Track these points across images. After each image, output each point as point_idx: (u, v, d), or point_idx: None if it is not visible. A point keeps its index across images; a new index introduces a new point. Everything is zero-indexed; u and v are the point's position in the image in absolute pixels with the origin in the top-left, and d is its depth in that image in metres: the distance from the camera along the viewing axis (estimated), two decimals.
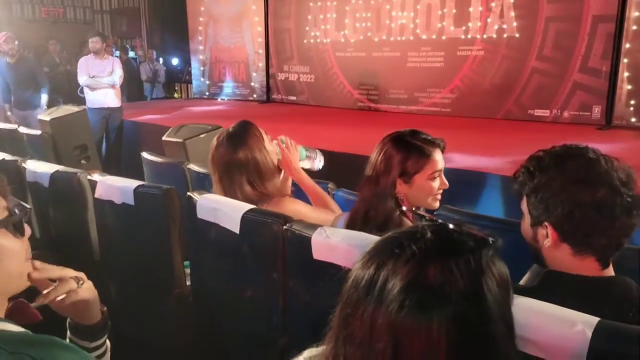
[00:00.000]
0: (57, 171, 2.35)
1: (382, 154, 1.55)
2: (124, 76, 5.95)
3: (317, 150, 2.00)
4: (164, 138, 3.57)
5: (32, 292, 0.96)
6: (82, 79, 5.67)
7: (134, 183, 1.99)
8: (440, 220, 1.42)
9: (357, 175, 1.61)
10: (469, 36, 5.77)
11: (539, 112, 5.35)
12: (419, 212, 1.59)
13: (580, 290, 1.03)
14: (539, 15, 5.24)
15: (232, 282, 1.69)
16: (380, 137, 1.61)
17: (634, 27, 4.75)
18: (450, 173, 1.64)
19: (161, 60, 10.36)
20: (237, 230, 1.56)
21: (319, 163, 1.99)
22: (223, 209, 1.63)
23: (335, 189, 2.13)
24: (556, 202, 1.04)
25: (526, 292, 0.95)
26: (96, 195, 2.11)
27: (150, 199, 1.94)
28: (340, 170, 2.30)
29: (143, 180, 2.66)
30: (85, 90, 5.72)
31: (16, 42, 5.63)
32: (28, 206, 0.96)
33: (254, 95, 8.07)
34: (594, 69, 4.97)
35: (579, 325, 0.82)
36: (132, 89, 8.80)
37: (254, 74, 8.04)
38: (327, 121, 5.98)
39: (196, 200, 1.72)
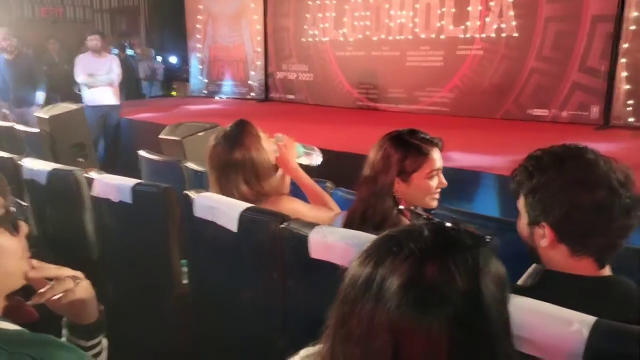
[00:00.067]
0: (55, 169, 2.34)
1: (380, 153, 1.55)
2: (122, 74, 5.94)
3: (314, 147, 2.00)
4: (161, 136, 3.56)
5: (28, 290, 0.96)
6: (79, 77, 5.66)
7: (131, 181, 1.98)
8: (437, 219, 1.43)
9: (355, 174, 1.61)
10: (468, 35, 5.77)
11: (537, 112, 5.35)
12: (416, 211, 1.59)
13: (578, 289, 1.03)
14: (538, 14, 5.24)
15: (229, 280, 1.69)
16: (379, 136, 1.61)
17: (633, 27, 4.75)
18: (448, 172, 1.64)
19: (159, 58, 10.34)
20: (234, 228, 1.56)
21: (317, 159, 1.99)
22: (220, 208, 1.63)
23: (334, 187, 2.13)
24: (554, 202, 1.04)
25: (523, 291, 0.95)
26: (93, 194, 2.11)
27: (148, 197, 1.93)
28: (338, 169, 2.30)
29: (140, 178, 2.65)
30: (83, 88, 5.71)
31: (15, 39, 5.62)
32: (25, 204, 0.96)
33: (253, 94, 8.07)
34: (592, 69, 4.97)
35: (576, 324, 0.82)
36: (130, 87, 8.77)
37: (253, 73, 8.03)
38: (325, 120, 5.98)
39: (193, 199, 1.72)
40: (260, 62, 7.89)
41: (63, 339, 1.03)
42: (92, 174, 2.15)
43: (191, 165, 2.55)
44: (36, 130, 4.47)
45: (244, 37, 8.01)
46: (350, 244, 1.24)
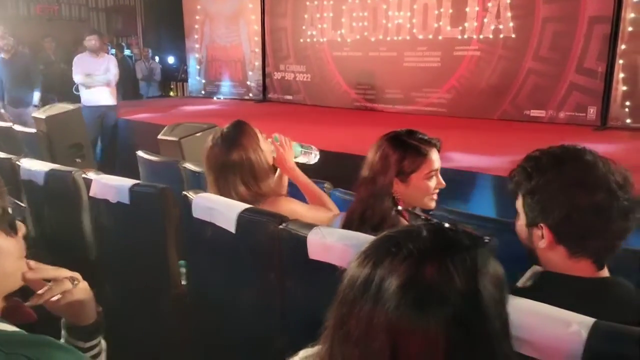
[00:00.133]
0: (52, 170, 2.34)
1: (378, 153, 1.55)
2: (120, 74, 5.93)
3: (311, 146, 2.00)
4: (159, 137, 3.56)
5: (26, 291, 0.96)
6: (77, 77, 5.65)
7: (129, 182, 1.98)
8: (435, 220, 1.43)
9: (353, 175, 1.61)
10: (466, 36, 5.78)
11: (535, 113, 5.36)
12: (414, 212, 1.60)
13: (576, 291, 1.04)
14: (536, 15, 5.25)
15: (227, 281, 1.69)
16: (376, 136, 1.61)
17: (630, 29, 4.76)
18: (446, 172, 1.64)
19: (157, 58, 10.33)
20: (233, 229, 1.56)
21: (315, 157, 1.99)
22: (219, 208, 1.63)
23: (332, 188, 2.13)
24: (553, 204, 1.04)
25: (522, 292, 0.95)
26: (91, 194, 2.10)
27: (146, 198, 1.93)
28: (336, 170, 2.30)
29: (138, 179, 2.65)
30: (81, 88, 5.69)
31: (11, 38, 5.60)
32: (23, 205, 0.96)
33: (250, 95, 8.06)
34: (589, 70, 4.98)
35: (575, 326, 0.82)
36: (127, 87, 8.77)
37: (250, 73, 8.03)
38: (323, 121, 5.98)
39: (192, 200, 1.72)
40: (258, 63, 7.88)
41: (62, 340, 1.02)
42: (90, 175, 2.15)
43: (189, 165, 2.54)
44: (33, 130, 4.46)
45: (242, 37, 8.01)
46: (348, 244, 1.24)
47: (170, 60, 10.74)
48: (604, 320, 0.83)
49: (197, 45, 8.62)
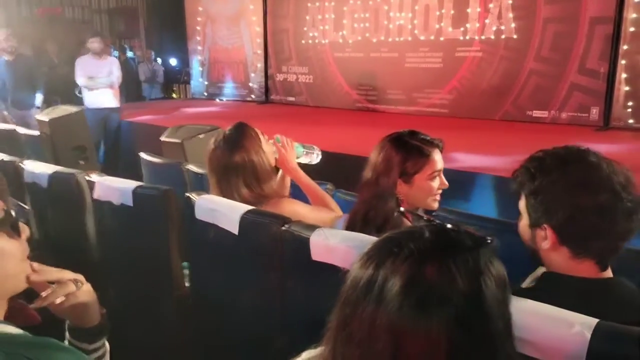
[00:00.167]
0: (56, 172, 2.34)
1: (381, 155, 1.55)
2: (122, 76, 5.94)
3: (313, 145, 2.00)
4: (162, 138, 3.56)
5: (31, 293, 0.96)
6: (80, 80, 5.66)
7: (132, 184, 1.98)
8: (438, 221, 1.42)
9: (356, 176, 1.62)
10: (467, 37, 5.78)
11: (537, 113, 5.36)
12: (417, 213, 1.60)
13: (579, 291, 1.04)
14: (537, 16, 5.25)
15: (230, 282, 1.69)
16: (379, 137, 1.61)
17: (632, 29, 4.76)
18: (448, 173, 1.64)
19: (159, 60, 10.35)
20: (235, 231, 1.56)
21: (317, 157, 1.99)
22: (221, 210, 1.63)
23: (334, 189, 2.13)
24: (557, 205, 1.04)
25: (524, 293, 0.95)
26: (94, 196, 2.11)
27: (149, 200, 1.93)
28: (338, 171, 2.30)
29: (141, 181, 2.65)
30: (84, 90, 5.70)
31: (15, 40, 5.62)
32: (26, 207, 0.96)
33: (253, 96, 8.07)
34: (591, 71, 4.98)
35: (578, 326, 0.82)
36: (130, 89, 8.78)
37: (253, 75, 8.04)
38: (325, 122, 5.98)
39: (195, 201, 1.72)
40: (260, 64, 7.89)
41: (66, 343, 1.03)
42: (93, 177, 2.15)
43: (192, 167, 2.55)
44: (37, 133, 4.46)
45: (244, 39, 8.02)
46: (351, 246, 1.24)
47: (173, 62, 10.76)
48: (607, 320, 0.83)
49: (199, 47, 8.63)
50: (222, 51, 8.33)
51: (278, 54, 7.66)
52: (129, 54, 10.22)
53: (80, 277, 1.01)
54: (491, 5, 5.54)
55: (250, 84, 8.09)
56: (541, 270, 1.14)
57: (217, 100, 8.42)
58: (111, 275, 2.18)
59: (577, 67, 5.04)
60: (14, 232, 0.92)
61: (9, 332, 0.83)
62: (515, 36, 5.44)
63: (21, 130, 4.45)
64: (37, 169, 2.43)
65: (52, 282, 0.98)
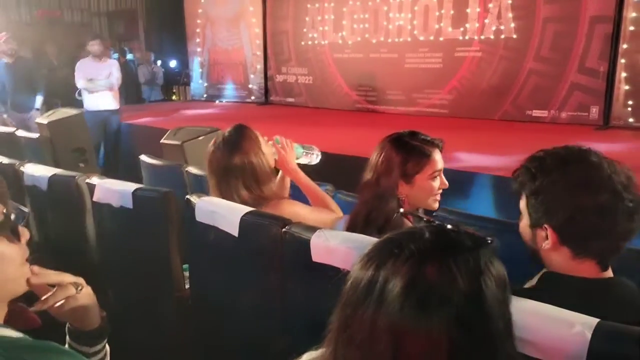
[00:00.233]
0: (55, 174, 2.34)
1: (382, 155, 1.55)
2: (122, 79, 5.94)
3: (313, 146, 2.00)
4: (162, 141, 3.56)
5: (31, 297, 0.96)
6: (79, 82, 5.66)
7: (132, 186, 1.98)
8: (438, 222, 1.42)
9: (356, 177, 1.62)
10: (467, 37, 5.78)
11: (536, 113, 5.36)
12: (417, 213, 1.59)
13: (579, 291, 1.03)
14: (537, 16, 5.25)
15: (230, 284, 1.69)
16: (379, 138, 1.61)
17: (631, 28, 4.76)
18: (447, 173, 1.64)
19: (159, 62, 10.35)
20: (235, 233, 1.56)
21: (316, 158, 1.99)
22: (221, 212, 1.63)
23: (334, 191, 2.13)
24: (558, 205, 1.03)
25: (525, 293, 0.95)
26: (94, 199, 2.11)
27: (149, 202, 1.93)
28: (338, 172, 2.30)
29: (141, 183, 2.65)
30: (83, 93, 5.70)
31: (14, 43, 5.62)
32: (26, 210, 0.96)
33: (252, 97, 8.08)
34: (591, 70, 4.98)
35: (578, 326, 0.82)
36: (130, 91, 8.78)
37: (252, 76, 8.04)
38: (325, 123, 5.99)
39: (195, 203, 1.72)
40: (259, 66, 7.90)
41: (66, 346, 1.02)
42: (93, 179, 2.15)
43: (192, 169, 2.55)
44: (36, 135, 4.47)
45: (243, 41, 8.03)
46: (351, 247, 1.24)
47: (173, 64, 10.76)
48: (608, 320, 0.83)
49: (199, 49, 8.64)
50: (221, 53, 8.33)
51: (278, 55, 7.67)
52: (129, 56, 10.21)
53: (80, 280, 1.00)
54: (491, 5, 5.55)
55: (250, 86, 8.10)
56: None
57: (217, 101, 8.42)
58: (111, 278, 2.18)
59: (576, 67, 5.04)
60: (14, 236, 0.91)
61: (9, 335, 0.83)
62: (514, 36, 5.44)
63: (21, 133, 4.45)
64: (37, 171, 2.43)
65: (52, 285, 0.98)
